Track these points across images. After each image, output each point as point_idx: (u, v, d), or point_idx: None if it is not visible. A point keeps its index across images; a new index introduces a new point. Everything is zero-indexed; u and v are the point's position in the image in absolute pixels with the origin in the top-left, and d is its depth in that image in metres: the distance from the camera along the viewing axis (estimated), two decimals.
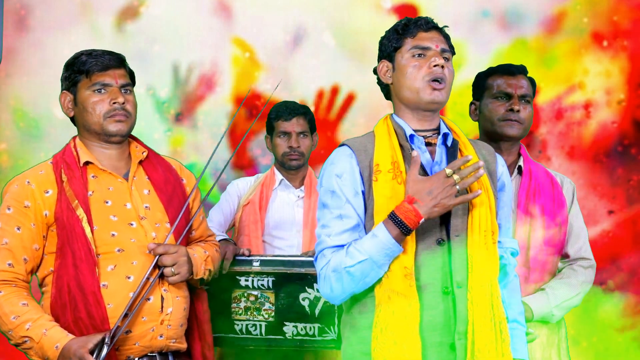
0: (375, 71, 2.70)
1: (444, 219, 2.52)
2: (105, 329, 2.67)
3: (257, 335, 3.31)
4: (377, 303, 2.49)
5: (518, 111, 3.18)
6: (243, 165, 4.71)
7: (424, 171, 2.56)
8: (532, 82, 3.27)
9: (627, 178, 4.70)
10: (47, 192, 2.75)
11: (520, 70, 3.26)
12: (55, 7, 4.58)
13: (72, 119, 2.90)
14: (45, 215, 2.74)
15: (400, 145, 2.59)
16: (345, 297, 2.53)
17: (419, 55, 2.58)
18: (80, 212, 2.72)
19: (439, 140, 2.61)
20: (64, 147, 2.87)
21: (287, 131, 3.76)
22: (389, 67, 2.64)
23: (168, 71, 4.63)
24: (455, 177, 2.45)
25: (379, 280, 2.49)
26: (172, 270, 2.76)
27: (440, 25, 2.66)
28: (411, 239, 2.49)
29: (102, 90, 2.81)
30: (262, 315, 3.32)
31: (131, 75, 2.92)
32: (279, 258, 3.42)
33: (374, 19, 4.66)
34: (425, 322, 2.47)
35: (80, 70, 2.81)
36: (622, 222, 4.68)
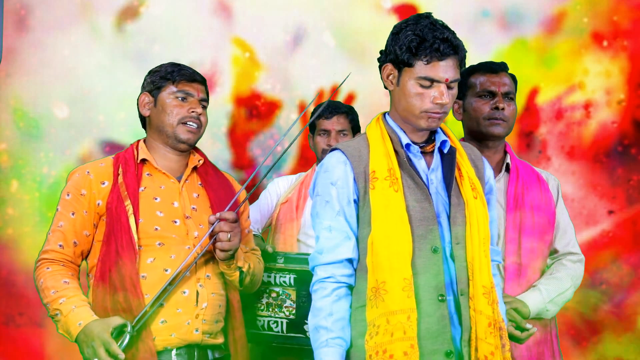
0: (379, 60, 2.63)
1: (439, 226, 2.51)
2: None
3: (278, 332, 3.30)
4: (371, 325, 2.48)
5: (503, 109, 3.19)
6: (243, 165, 4.71)
7: (420, 178, 2.54)
8: (514, 79, 3.28)
9: (627, 178, 4.70)
10: (104, 184, 2.95)
11: (502, 68, 3.27)
12: (55, 7, 4.58)
13: (143, 120, 3.08)
14: (98, 204, 2.93)
15: (395, 152, 2.56)
16: None
17: (427, 85, 2.51)
18: (128, 204, 2.90)
19: (435, 146, 2.60)
20: (129, 147, 3.06)
21: (327, 129, 3.74)
22: (394, 75, 2.57)
23: None
24: None
25: (371, 304, 2.48)
26: (229, 236, 2.84)
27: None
28: (408, 247, 2.47)
29: (185, 99, 3.02)
30: (284, 312, 3.31)
31: (207, 94, 3.12)
32: (303, 256, 3.39)
33: (374, 19, 4.66)
34: (422, 330, 2.46)
35: (167, 77, 3.01)
36: (622, 222, 4.68)
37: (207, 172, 3.09)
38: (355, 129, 3.84)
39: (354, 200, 2.54)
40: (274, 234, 3.74)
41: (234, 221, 2.85)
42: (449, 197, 2.55)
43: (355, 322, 2.52)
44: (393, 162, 2.54)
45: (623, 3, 4.73)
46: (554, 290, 3.12)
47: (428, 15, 2.56)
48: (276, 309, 3.31)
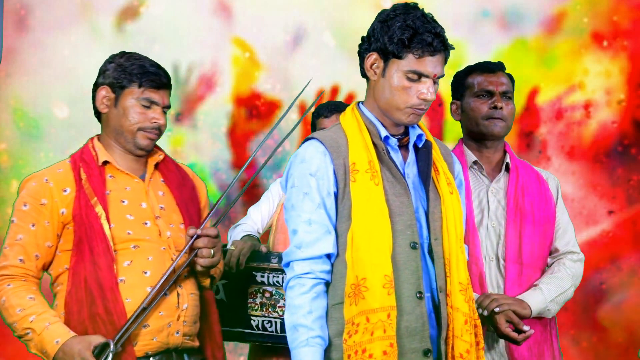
0: (360, 47, 2.57)
1: (417, 222, 2.46)
2: (122, 325, 2.69)
3: (272, 332, 3.29)
4: (350, 323, 2.41)
5: (501, 108, 3.19)
6: (243, 165, 4.71)
7: (399, 172, 2.48)
8: (511, 78, 3.29)
9: (627, 178, 4.70)
10: (65, 191, 2.78)
11: (499, 67, 3.27)
12: (55, 7, 4.59)
13: (99, 114, 2.90)
14: (62, 213, 2.76)
15: (373, 144, 2.49)
16: None
17: (414, 79, 2.44)
18: (99, 209, 2.75)
19: (410, 141, 2.54)
20: (82, 148, 2.90)
21: (326, 128, 3.74)
22: (379, 65, 2.49)
23: (168, 71, 4.63)
24: None
25: (350, 301, 2.40)
26: (212, 252, 2.78)
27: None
28: (388, 242, 2.41)
29: (148, 107, 2.84)
30: (277, 312, 3.29)
31: (170, 97, 2.97)
32: None
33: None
34: (401, 329, 2.40)
35: (134, 79, 2.84)
36: (622, 222, 4.69)
37: (169, 168, 2.96)
38: None
39: (334, 193, 2.46)
40: (275, 234, 3.74)
41: (215, 236, 2.78)
42: (426, 192, 2.50)
43: (332, 319, 2.43)
44: (372, 154, 2.46)
45: (623, 3, 4.74)
46: (555, 290, 3.13)
47: (416, 6, 2.50)
48: (270, 309, 3.31)
